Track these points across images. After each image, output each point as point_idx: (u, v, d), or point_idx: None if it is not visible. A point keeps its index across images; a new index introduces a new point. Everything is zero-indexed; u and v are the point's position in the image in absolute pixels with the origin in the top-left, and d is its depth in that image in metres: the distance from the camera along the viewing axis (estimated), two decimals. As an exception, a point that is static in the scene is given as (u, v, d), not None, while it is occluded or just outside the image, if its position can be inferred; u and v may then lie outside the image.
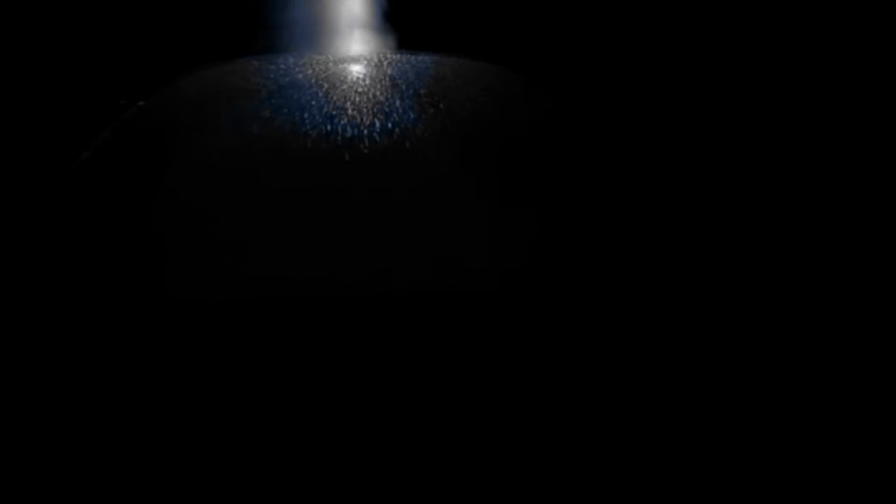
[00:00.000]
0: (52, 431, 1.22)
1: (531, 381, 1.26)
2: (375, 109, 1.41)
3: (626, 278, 1.41)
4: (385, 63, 1.54)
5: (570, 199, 1.45)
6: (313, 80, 1.46)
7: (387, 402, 1.19)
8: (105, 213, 1.29)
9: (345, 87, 1.44)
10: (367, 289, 1.18)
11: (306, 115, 1.38)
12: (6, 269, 1.31)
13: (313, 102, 1.42)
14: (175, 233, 1.25)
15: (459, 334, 1.20)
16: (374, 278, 1.19)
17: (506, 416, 1.21)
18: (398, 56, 1.64)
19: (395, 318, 1.16)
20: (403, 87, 1.48)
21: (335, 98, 1.42)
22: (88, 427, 1.20)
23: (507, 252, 1.35)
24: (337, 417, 1.18)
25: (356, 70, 1.55)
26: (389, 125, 1.37)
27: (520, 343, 1.27)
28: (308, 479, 1.15)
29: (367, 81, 1.48)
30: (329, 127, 1.35)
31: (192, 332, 1.15)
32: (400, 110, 1.41)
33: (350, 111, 1.39)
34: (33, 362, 1.25)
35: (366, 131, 1.38)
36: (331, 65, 1.56)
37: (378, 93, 1.44)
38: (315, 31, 2.03)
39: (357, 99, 1.42)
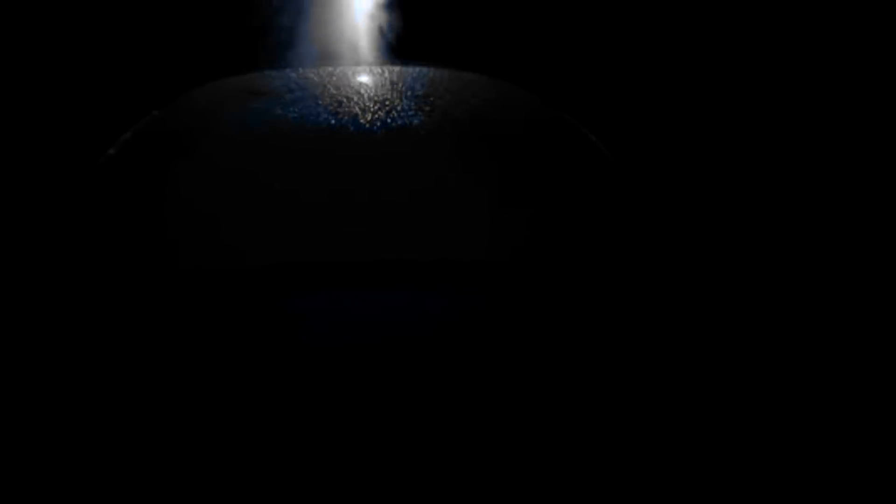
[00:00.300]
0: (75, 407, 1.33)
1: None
2: (377, 108, 1.53)
3: (613, 276, 1.47)
4: (389, 72, 1.66)
5: (558, 198, 1.53)
6: (319, 85, 1.60)
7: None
8: (125, 203, 1.42)
9: (348, 90, 1.57)
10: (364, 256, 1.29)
11: (310, 115, 1.52)
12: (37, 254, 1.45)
13: (318, 103, 1.56)
14: (185, 217, 1.37)
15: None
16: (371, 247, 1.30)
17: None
18: (403, 67, 1.75)
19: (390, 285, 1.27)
20: (406, 91, 1.60)
21: (338, 99, 1.54)
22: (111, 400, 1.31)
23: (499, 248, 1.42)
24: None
25: (361, 78, 1.68)
26: (390, 121, 1.48)
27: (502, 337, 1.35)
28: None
29: (371, 85, 1.61)
30: (331, 122, 1.48)
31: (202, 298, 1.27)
32: (401, 109, 1.53)
33: (353, 110, 1.51)
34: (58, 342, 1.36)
35: (366, 128, 1.50)
36: (336, 74, 1.69)
37: (380, 94, 1.56)
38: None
39: (359, 100, 1.54)
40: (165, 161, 1.42)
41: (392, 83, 1.63)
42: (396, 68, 1.73)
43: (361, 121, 1.51)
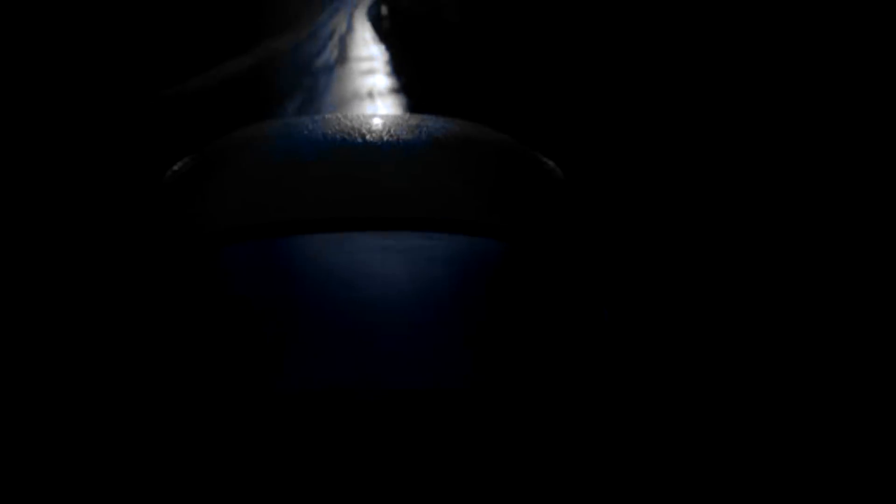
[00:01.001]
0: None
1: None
2: (379, 144, 2.06)
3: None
4: (389, 120, 2.23)
5: (512, 180, 2.08)
6: (336, 122, 2.18)
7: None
8: (185, 206, 1.95)
9: (356, 135, 2.11)
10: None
11: (329, 135, 2.10)
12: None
13: (335, 130, 2.14)
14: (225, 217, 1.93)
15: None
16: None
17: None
18: (400, 115, 2.35)
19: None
20: (405, 124, 2.19)
21: (354, 126, 2.10)
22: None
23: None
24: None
25: (364, 124, 2.23)
26: (390, 149, 2.03)
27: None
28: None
29: (375, 130, 2.15)
30: (346, 137, 2.06)
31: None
32: (399, 143, 2.07)
33: (356, 147, 2.04)
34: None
35: (376, 141, 2.08)
36: (346, 120, 2.27)
37: (382, 137, 2.11)
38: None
39: (372, 130, 2.10)
40: (214, 167, 2.01)
41: (398, 124, 2.22)
42: (397, 115, 2.33)
43: (373, 137, 2.06)
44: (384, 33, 29.13)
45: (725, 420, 3.37)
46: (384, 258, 1.88)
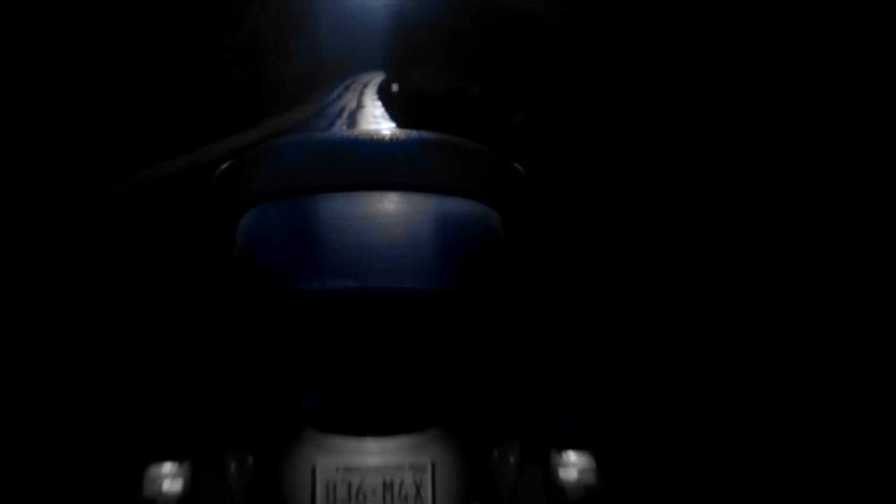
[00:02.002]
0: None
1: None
2: (387, 150, 3.00)
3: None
4: (397, 132, 3.14)
5: (488, 171, 2.98)
6: (343, 135, 3.12)
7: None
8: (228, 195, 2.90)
9: (362, 139, 3.06)
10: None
11: (345, 137, 3.04)
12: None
13: (349, 135, 3.06)
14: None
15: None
16: None
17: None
18: (407, 130, 3.26)
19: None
20: (404, 134, 3.12)
21: (369, 156, 3.03)
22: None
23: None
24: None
25: (367, 132, 3.15)
26: (398, 158, 2.96)
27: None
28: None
29: (376, 134, 3.07)
30: (358, 139, 2.99)
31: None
32: (404, 148, 3.01)
33: (363, 153, 2.97)
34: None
35: (385, 141, 3.00)
36: (353, 132, 3.20)
37: (389, 142, 3.05)
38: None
39: (370, 146, 3.03)
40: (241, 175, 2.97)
41: (399, 133, 3.14)
42: (404, 130, 3.24)
43: (385, 139, 3.00)
44: (396, 108, 30.34)
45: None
46: (398, 208, 2.84)
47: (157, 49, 18.80)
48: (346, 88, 56.68)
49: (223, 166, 3.11)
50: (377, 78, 62.56)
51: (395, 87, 40.28)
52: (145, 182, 13.31)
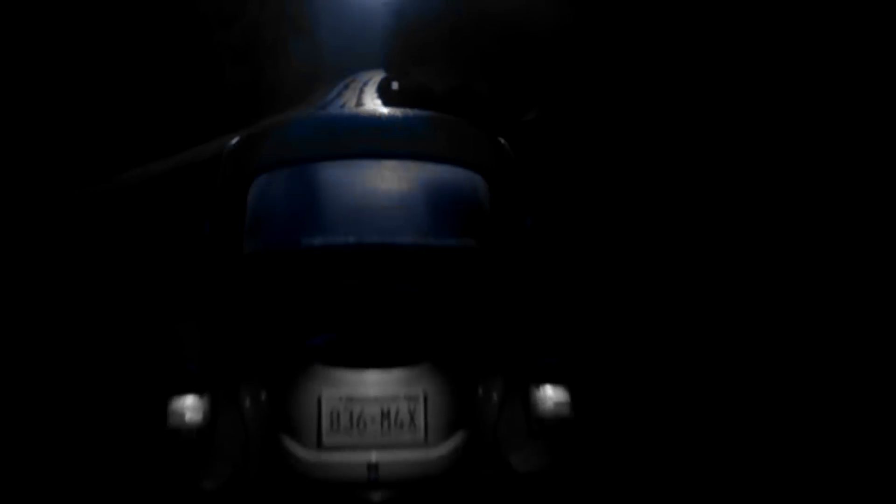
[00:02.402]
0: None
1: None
2: (386, 123, 3.34)
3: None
4: (396, 110, 3.49)
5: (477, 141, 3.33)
6: (347, 112, 3.47)
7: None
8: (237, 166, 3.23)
9: (364, 122, 3.41)
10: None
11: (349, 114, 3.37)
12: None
13: (354, 112, 3.41)
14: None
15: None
16: None
17: None
18: (405, 109, 3.60)
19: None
20: (405, 112, 3.46)
21: (366, 129, 3.37)
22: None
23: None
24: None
25: (369, 110, 3.49)
26: (396, 131, 3.31)
27: None
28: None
29: (378, 110, 3.41)
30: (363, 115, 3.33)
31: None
32: (403, 122, 3.35)
33: (375, 138, 3.32)
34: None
35: (388, 116, 3.34)
36: (356, 110, 3.58)
37: (389, 117, 3.40)
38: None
39: (372, 120, 3.37)
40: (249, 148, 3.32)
41: (398, 113, 3.47)
42: (402, 109, 3.58)
43: (385, 115, 3.34)
44: (396, 107, 30.65)
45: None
46: (401, 175, 3.20)
47: (146, 43, 18.82)
48: (346, 87, 57.04)
49: (234, 140, 3.45)
50: (377, 76, 62.90)
51: (395, 86, 40.60)
52: (128, 184, 13.43)
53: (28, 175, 12.00)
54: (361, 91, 49.50)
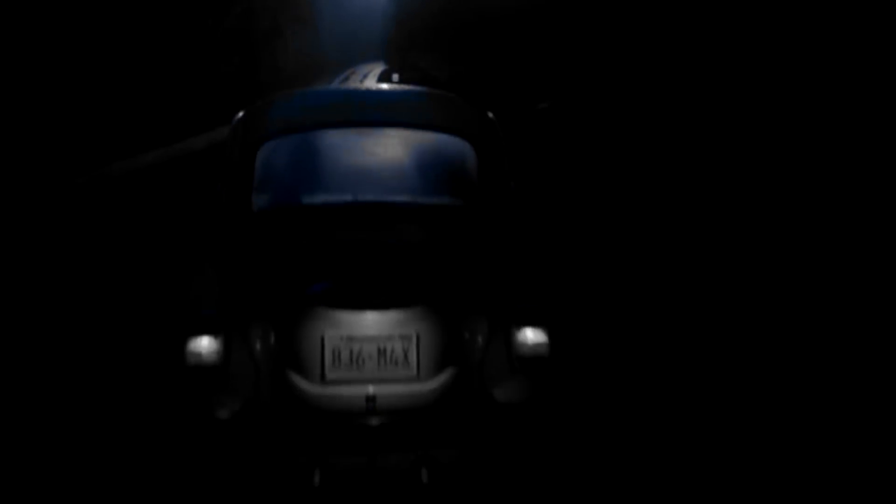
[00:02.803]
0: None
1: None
2: (384, 96, 3.69)
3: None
4: (395, 86, 3.84)
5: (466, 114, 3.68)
6: (347, 90, 3.81)
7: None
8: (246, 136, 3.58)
9: (363, 95, 3.76)
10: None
11: (348, 90, 3.73)
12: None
13: (353, 88, 3.75)
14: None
15: None
16: None
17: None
18: (399, 86, 3.94)
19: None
20: (403, 89, 3.80)
21: (364, 100, 3.71)
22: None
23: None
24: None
25: (382, 94, 3.83)
26: (393, 102, 3.66)
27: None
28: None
29: (382, 89, 3.77)
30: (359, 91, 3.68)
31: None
32: (401, 95, 3.70)
33: (371, 109, 3.66)
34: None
35: (386, 91, 3.69)
36: (363, 93, 3.88)
37: (388, 91, 3.74)
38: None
39: (379, 105, 3.72)
40: (260, 123, 3.68)
41: (394, 90, 3.81)
42: (397, 85, 3.93)
43: (383, 89, 3.69)
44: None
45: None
46: (397, 142, 3.55)
47: (135, 30, 18.74)
48: (346, 78, 57.22)
49: (242, 111, 3.81)
50: (377, 69, 63.07)
51: (395, 78, 40.76)
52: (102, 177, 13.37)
53: (14, 166, 12.29)
54: (361, 84, 49.62)
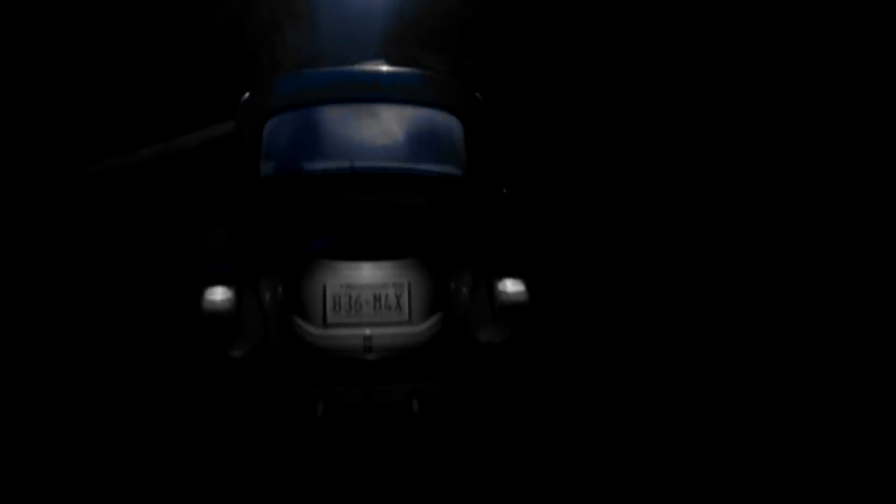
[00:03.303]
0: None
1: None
2: (382, 75, 4.15)
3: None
4: (391, 68, 4.30)
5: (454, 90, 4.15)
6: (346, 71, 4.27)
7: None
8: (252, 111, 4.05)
9: (361, 75, 4.22)
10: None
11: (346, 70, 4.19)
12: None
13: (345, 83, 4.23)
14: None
15: None
16: None
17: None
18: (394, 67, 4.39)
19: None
20: (399, 69, 4.25)
21: (361, 79, 4.17)
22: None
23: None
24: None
25: (378, 74, 4.28)
26: (390, 81, 4.12)
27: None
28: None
29: (380, 70, 4.23)
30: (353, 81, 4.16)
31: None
32: (396, 75, 4.16)
33: (368, 87, 4.13)
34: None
35: (382, 72, 4.15)
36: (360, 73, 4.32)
37: (384, 71, 4.20)
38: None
39: (375, 83, 4.18)
40: (263, 101, 4.13)
41: (390, 70, 4.26)
42: (392, 67, 4.37)
43: (381, 69, 4.15)
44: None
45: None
46: (388, 116, 4.00)
47: (123, 22, 18.59)
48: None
49: (248, 92, 4.26)
50: (378, 66, 63.64)
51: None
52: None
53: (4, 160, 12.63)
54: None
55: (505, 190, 4.08)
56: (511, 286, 3.55)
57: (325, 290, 3.47)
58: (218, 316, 3.48)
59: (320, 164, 3.97)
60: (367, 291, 3.47)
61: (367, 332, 3.45)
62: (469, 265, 3.62)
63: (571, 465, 3.54)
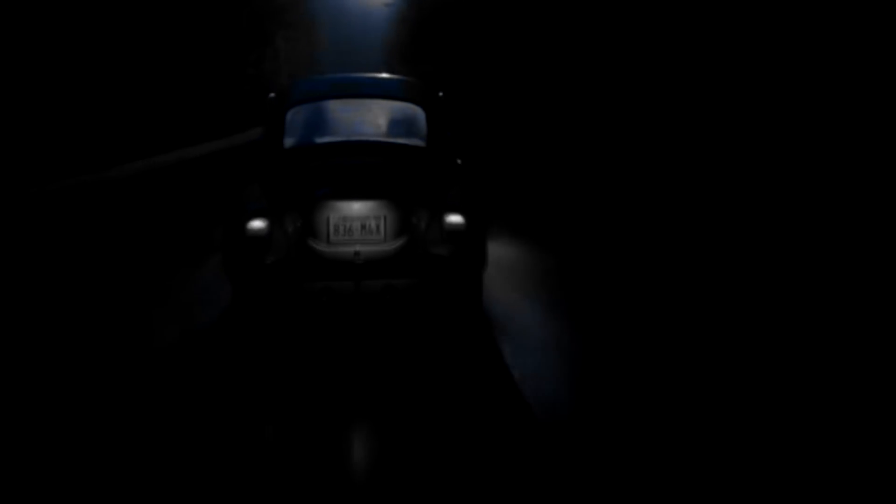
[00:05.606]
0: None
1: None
2: (369, 80, 6.62)
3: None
4: (377, 75, 6.73)
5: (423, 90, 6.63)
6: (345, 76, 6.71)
7: None
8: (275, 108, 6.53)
9: (354, 79, 6.68)
10: None
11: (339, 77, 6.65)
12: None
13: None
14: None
15: None
16: None
17: None
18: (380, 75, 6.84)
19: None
20: (383, 76, 6.71)
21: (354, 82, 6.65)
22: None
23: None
24: None
25: (366, 78, 6.69)
26: (374, 84, 6.60)
27: None
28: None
29: (368, 76, 6.67)
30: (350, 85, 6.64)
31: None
32: (379, 79, 6.66)
33: (359, 87, 6.59)
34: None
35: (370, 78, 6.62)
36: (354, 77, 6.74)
37: (372, 77, 6.63)
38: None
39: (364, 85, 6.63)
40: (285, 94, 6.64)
41: (378, 77, 6.70)
42: (378, 75, 6.82)
43: (369, 76, 6.62)
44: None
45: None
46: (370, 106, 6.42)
47: (111, 37, 20.05)
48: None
49: (273, 93, 6.65)
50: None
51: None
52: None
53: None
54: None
55: (459, 160, 6.43)
56: (453, 218, 5.84)
57: (328, 221, 5.74)
58: (257, 236, 5.76)
59: (325, 138, 6.34)
60: (357, 221, 5.75)
61: (357, 247, 5.72)
62: (427, 205, 5.92)
63: (494, 332, 5.82)
